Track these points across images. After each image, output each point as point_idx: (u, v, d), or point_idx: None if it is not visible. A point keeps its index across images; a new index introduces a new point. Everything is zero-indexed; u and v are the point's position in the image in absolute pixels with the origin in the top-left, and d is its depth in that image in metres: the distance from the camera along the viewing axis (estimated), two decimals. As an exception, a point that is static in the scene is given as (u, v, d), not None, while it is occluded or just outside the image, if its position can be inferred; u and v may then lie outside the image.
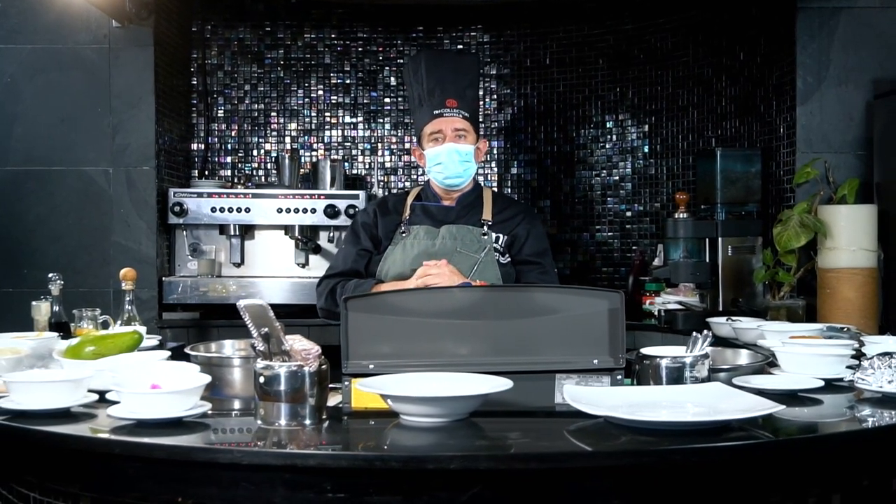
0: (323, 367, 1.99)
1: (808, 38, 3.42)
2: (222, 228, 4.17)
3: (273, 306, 4.16)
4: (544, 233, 2.96)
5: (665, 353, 2.05)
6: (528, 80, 4.76)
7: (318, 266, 4.20)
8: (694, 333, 2.10)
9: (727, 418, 1.68)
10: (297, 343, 1.99)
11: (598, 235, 4.62)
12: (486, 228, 2.83)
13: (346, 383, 2.01)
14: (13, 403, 1.82)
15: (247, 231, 4.21)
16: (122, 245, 3.95)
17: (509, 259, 2.83)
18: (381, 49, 4.78)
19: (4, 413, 1.81)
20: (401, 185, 4.77)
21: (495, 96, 4.82)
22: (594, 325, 2.02)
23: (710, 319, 3.02)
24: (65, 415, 1.81)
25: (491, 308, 2.03)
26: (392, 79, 4.79)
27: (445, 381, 1.83)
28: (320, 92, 4.77)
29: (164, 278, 4.04)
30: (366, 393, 1.97)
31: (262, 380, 1.89)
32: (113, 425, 1.73)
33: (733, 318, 2.96)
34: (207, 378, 1.82)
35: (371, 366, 1.99)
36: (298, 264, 4.22)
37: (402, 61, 4.75)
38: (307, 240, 4.12)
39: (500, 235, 2.84)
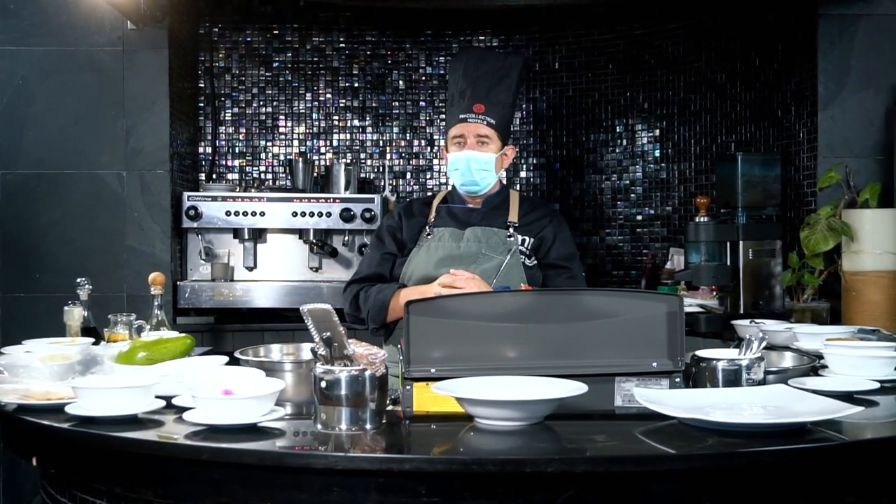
0: (384, 371, 2.00)
1: (829, 44, 3.47)
2: (236, 232, 4.14)
3: (287, 311, 4.16)
4: (571, 236, 2.93)
5: (720, 355, 2.07)
6: (536, 85, 4.78)
7: (332, 270, 4.20)
8: (748, 336, 2.12)
9: (805, 420, 1.70)
10: (360, 347, 1.99)
11: (608, 239, 4.65)
12: (511, 230, 2.82)
13: (408, 387, 2.00)
14: (81, 410, 1.80)
15: (259, 235, 4.19)
16: (135, 249, 3.92)
17: (536, 262, 2.82)
18: (389, 52, 4.77)
19: (71, 419, 1.79)
20: (409, 188, 4.77)
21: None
22: (653, 328, 2.03)
23: (734, 322, 3.04)
24: (132, 421, 1.79)
25: (551, 312, 2.03)
26: (401, 82, 4.78)
27: (517, 385, 1.83)
28: (328, 95, 4.76)
29: (178, 282, 4.01)
30: (427, 396, 1.98)
31: (323, 384, 1.88)
32: (185, 431, 1.71)
33: (756, 320, 2.98)
34: (283, 384, 1.82)
35: (433, 370, 1.99)
36: (312, 268, 4.20)
37: (409, 65, 4.76)
38: (323, 244, 4.10)
39: (526, 238, 2.82)
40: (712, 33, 4.24)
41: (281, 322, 3.99)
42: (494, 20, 4.76)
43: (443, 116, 4.64)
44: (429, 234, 2.83)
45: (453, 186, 2.94)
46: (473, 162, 2.80)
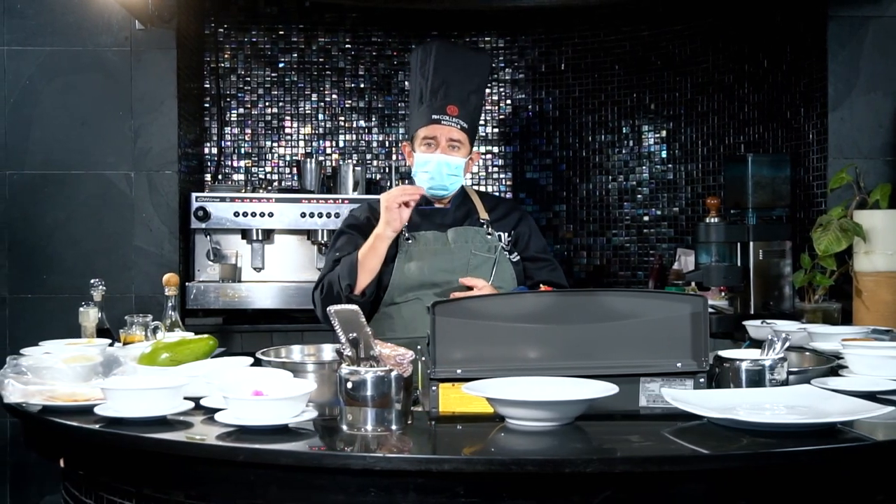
0: (410, 372, 2.00)
1: (838, 46, 3.49)
2: (244, 233, 4.14)
3: (295, 312, 4.15)
4: (537, 227, 2.99)
5: (743, 356, 2.08)
6: (542, 86, 4.79)
7: (340, 271, 4.19)
8: (770, 336, 2.13)
9: (836, 420, 1.71)
10: (387, 349, 1.99)
11: (614, 240, 4.66)
12: (489, 228, 2.82)
13: (434, 388, 2.00)
14: (110, 411, 1.79)
15: (267, 236, 4.18)
16: (143, 250, 3.91)
17: (518, 257, 2.84)
18: (395, 53, 4.77)
19: (100, 420, 1.79)
20: (416, 189, 4.77)
21: (509, 101, 4.84)
22: (677, 328, 2.03)
23: (746, 322, 3.05)
24: (161, 422, 1.78)
25: (576, 312, 2.04)
26: (406, 83, 4.78)
27: (546, 386, 1.83)
28: (334, 96, 4.76)
29: (185, 283, 4.00)
30: (452, 397, 1.98)
31: (349, 385, 1.88)
32: (216, 432, 1.70)
33: (768, 321, 2.99)
34: (314, 385, 1.82)
35: (459, 371, 1.99)
36: (320, 269, 4.18)
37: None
38: (332, 244, 4.10)
39: (502, 234, 2.83)
40: (719, 35, 4.26)
41: (289, 323, 3.99)
42: (500, 21, 4.77)
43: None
44: (408, 239, 2.77)
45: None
46: (445, 167, 2.76)
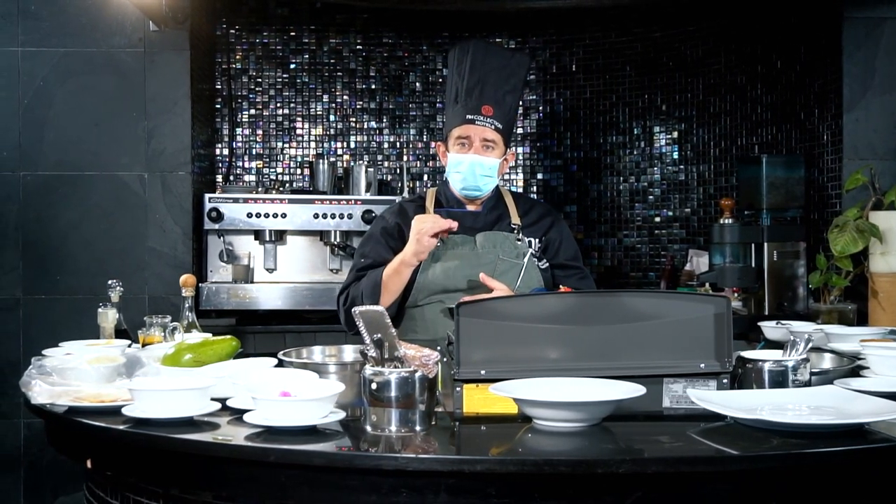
0: (436, 372, 2.00)
1: (853, 47, 3.49)
2: (257, 234, 4.14)
3: (308, 313, 4.15)
4: (571, 233, 2.95)
5: (765, 356, 2.08)
6: (553, 87, 4.79)
7: (352, 272, 4.19)
8: (792, 337, 2.14)
9: (864, 420, 1.71)
10: (412, 350, 1.99)
11: (625, 241, 4.66)
12: (520, 234, 2.80)
13: (458, 389, 2.00)
14: (138, 411, 1.79)
15: (279, 237, 4.19)
16: (157, 251, 3.91)
17: (547, 264, 2.82)
18: (406, 55, 4.78)
19: (128, 421, 1.79)
20: (427, 190, 4.76)
21: (521, 102, 4.83)
22: (700, 329, 2.04)
23: (761, 323, 3.05)
24: (188, 423, 1.78)
25: (599, 313, 2.04)
26: (418, 84, 4.79)
27: (572, 386, 1.83)
28: (345, 97, 4.76)
29: (199, 284, 4.00)
30: (476, 398, 1.98)
31: (373, 386, 1.89)
32: (244, 433, 1.70)
33: (783, 322, 2.99)
34: (342, 386, 1.82)
35: (483, 371, 1.99)
36: (332, 270, 4.21)
37: (426, 67, 4.77)
38: (346, 245, 4.11)
39: (533, 239, 2.81)
40: (731, 36, 4.26)
41: (301, 324, 3.99)
42: (511, 22, 4.77)
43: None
44: (437, 243, 2.75)
45: (445, 186, 2.89)
46: (478, 167, 2.74)
